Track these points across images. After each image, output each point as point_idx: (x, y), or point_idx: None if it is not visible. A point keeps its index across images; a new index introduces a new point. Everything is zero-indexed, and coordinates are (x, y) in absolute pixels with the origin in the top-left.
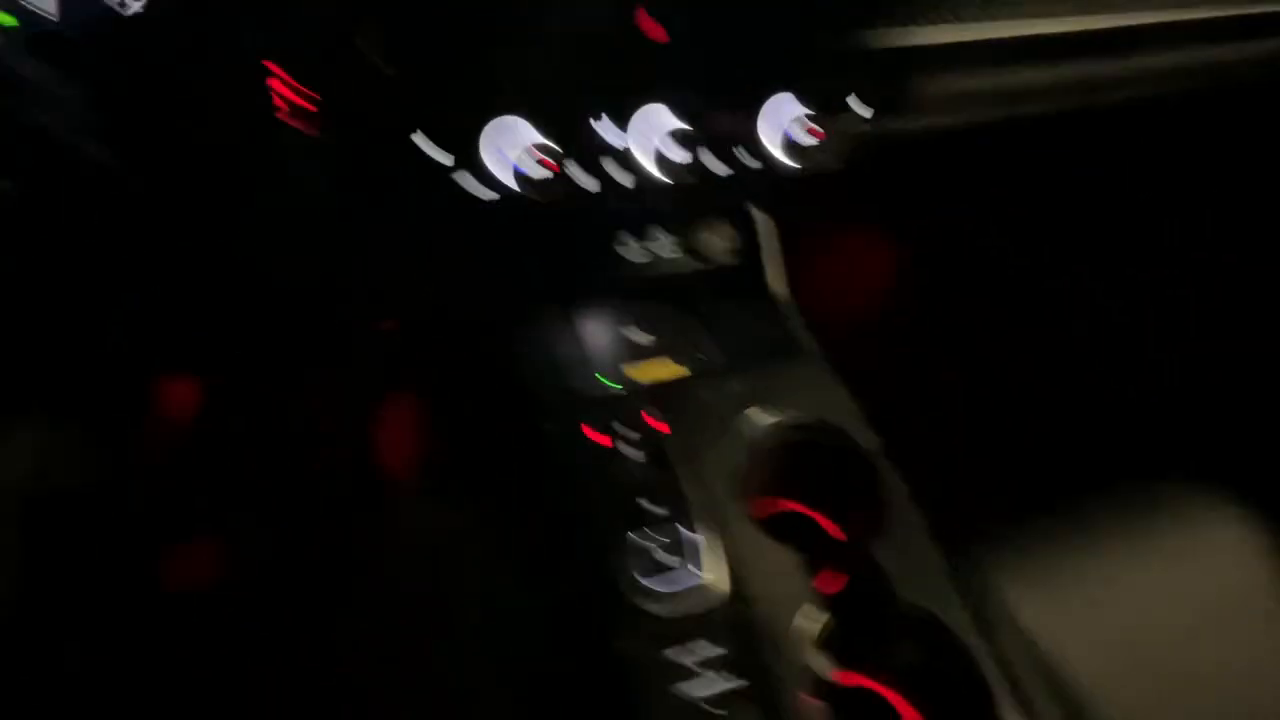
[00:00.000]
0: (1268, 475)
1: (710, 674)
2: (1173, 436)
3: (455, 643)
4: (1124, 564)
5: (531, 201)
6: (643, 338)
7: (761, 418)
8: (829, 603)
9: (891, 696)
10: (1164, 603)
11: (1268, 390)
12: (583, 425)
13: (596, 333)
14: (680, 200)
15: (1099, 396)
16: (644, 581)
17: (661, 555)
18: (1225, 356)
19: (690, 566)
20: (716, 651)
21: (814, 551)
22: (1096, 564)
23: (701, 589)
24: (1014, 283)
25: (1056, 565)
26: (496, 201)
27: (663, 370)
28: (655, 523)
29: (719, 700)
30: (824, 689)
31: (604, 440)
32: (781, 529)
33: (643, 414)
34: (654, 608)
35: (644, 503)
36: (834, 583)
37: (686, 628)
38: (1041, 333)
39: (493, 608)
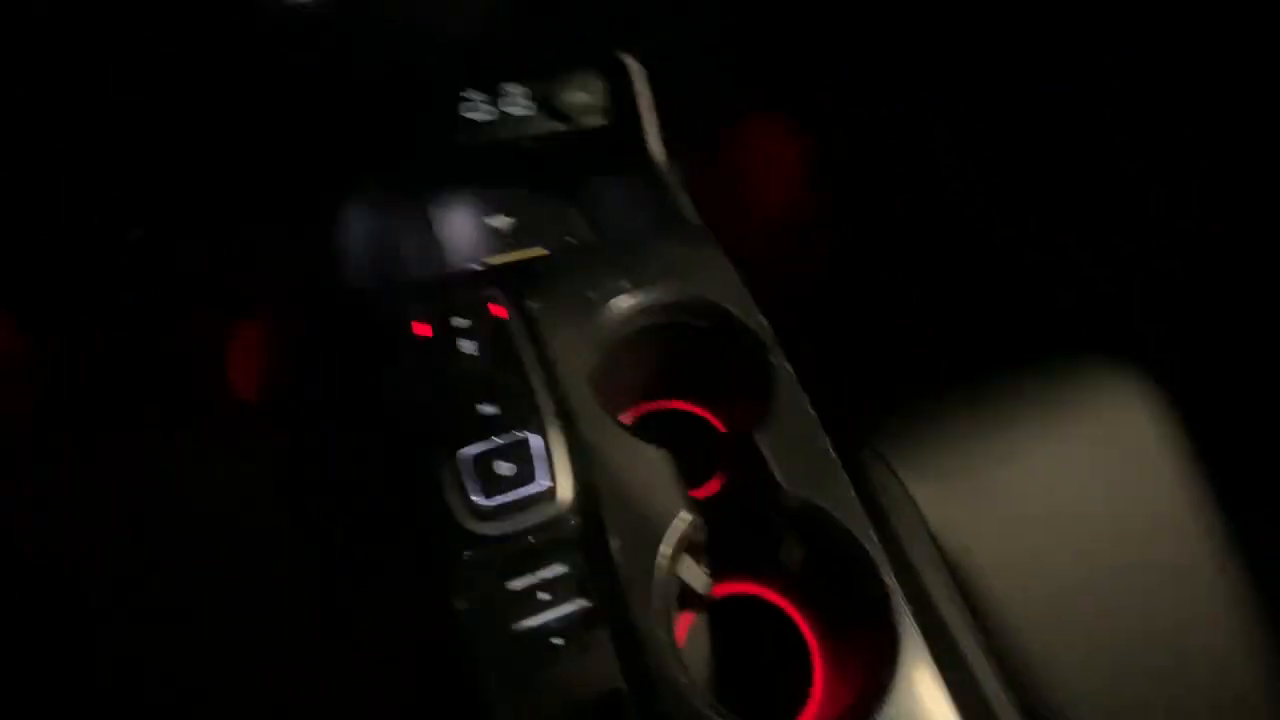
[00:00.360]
0: (1167, 344)
1: (553, 598)
2: (1070, 309)
3: (272, 581)
4: (1023, 442)
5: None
6: (497, 219)
7: (629, 297)
8: (703, 507)
9: (776, 599)
10: (1065, 480)
11: (1166, 258)
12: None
13: (439, 213)
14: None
15: (995, 272)
16: (476, 499)
17: (501, 465)
18: (1123, 224)
19: (538, 476)
20: (561, 571)
21: (686, 448)
22: (995, 444)
23: (545, 501)
24: (916, 148)
25: (953, 448)
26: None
27: (517, 253)
28: (495, 427)
29: (562, 626)
30: (698, 601)
31: (428, 331)
32: (650, 427)
33: (486, 302)
34: (488, 528)
35: (482, 405)
36: (709, 485)
37: (528, 547)
38: (941, 204)
39: (316, 542)
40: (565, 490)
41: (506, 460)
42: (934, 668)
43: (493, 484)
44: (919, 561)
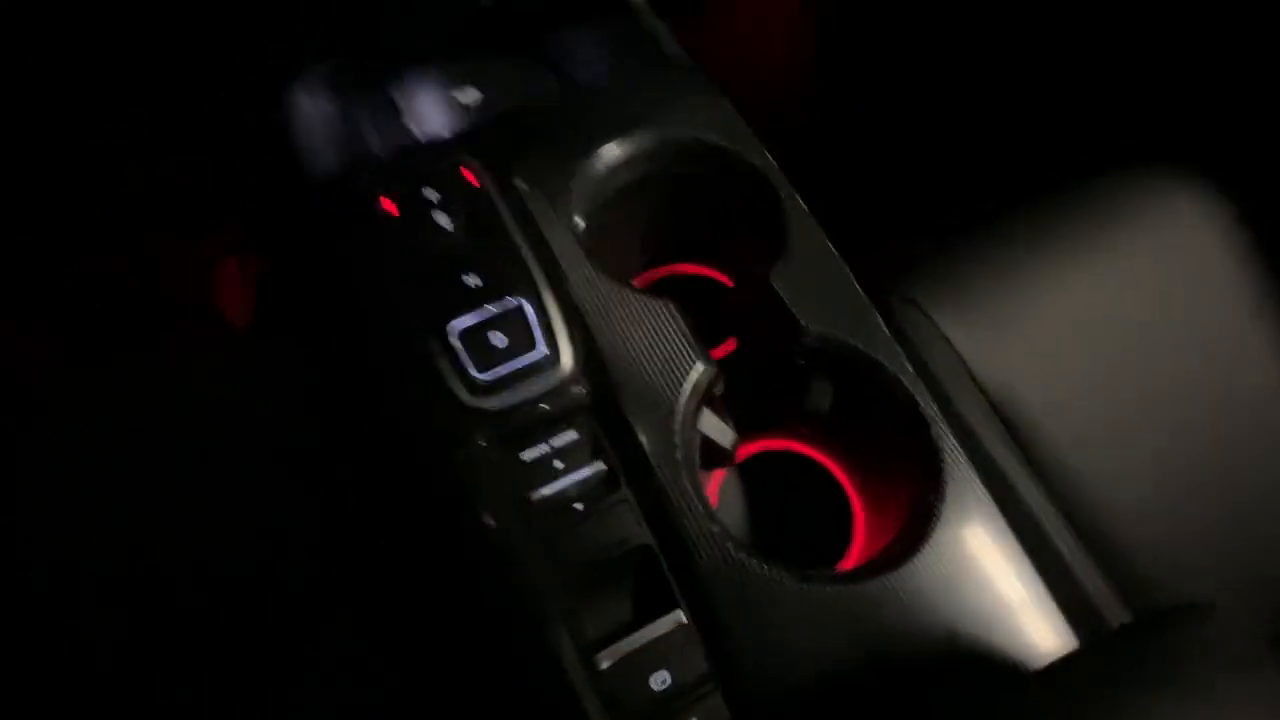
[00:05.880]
0: (1228, 141)
1: (567, 465)
2: (1113, 114)
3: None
4: (1070, 266)
5: None
6: (463, 92)
7: (613, 148)
8: (720, 366)
9: (808, 450)
10: (1118, 302)
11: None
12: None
13: (399, 93)
14: None
15: (1026, 88)
16: (473, 374)
17: (494, 336)
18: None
19: (537, 343)
20: (573, 438)
21: (695, 311)
22: (1037, 271)
23: (547, 369)
24: None
25: (991, 280)
26: None
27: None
28: (483, 298)
29: (581, 491)
30: (724, 456)
31: (395, 208)
32: (657, 287)
33: (460, 169)
34: (489, 402)
35: (466, 276)
36: (723, 347)
37: (535, 417)
38: (968, 21)
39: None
40: (567, 355)
41: (500, 330)
42: (982, 488)
43: (488, 356)
44: (960, 402)
